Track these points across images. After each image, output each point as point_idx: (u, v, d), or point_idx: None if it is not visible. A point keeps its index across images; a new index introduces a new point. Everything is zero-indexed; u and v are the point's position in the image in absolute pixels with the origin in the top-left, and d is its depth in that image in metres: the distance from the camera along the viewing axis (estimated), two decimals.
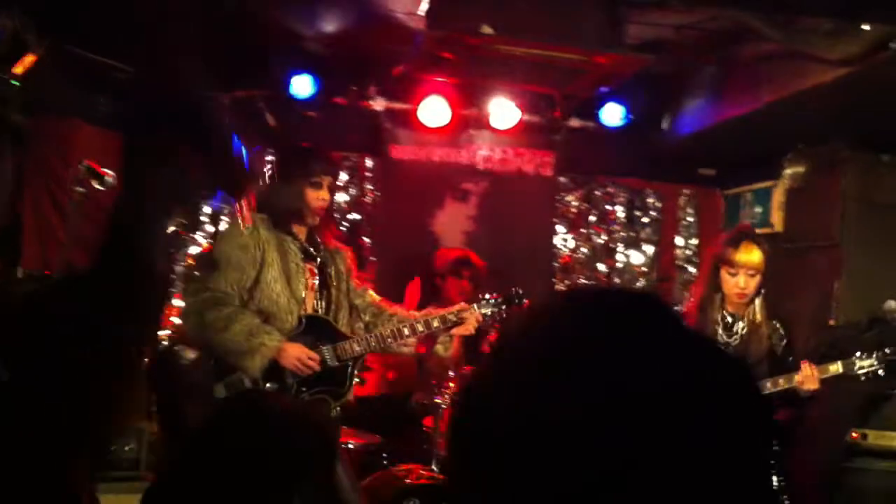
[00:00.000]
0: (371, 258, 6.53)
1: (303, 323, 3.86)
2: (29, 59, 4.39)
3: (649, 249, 7.03)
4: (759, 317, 4.19)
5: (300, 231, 3.98)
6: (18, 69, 4.42)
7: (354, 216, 6.55)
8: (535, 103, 6.12)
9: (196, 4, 4.62)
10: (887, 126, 4.82)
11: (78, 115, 5.37)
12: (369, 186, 6.56)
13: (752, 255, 4.12)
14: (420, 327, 4.01)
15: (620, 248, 7.00)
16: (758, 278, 4.13)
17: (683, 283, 7.04)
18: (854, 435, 4.68)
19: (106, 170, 3.90)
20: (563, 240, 6.91)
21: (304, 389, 3.86)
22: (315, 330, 3.88)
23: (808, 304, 5.60)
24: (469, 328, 4.08)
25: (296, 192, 3.87)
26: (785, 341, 4.21)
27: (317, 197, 3.91)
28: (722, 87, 5.18)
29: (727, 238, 4.25)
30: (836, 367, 3.95)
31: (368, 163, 6.53)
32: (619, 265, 7.00)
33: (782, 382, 3.99)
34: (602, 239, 6.97)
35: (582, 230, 6.94)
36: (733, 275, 4.12)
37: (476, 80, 5.71)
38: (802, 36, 4.13)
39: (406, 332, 3.98)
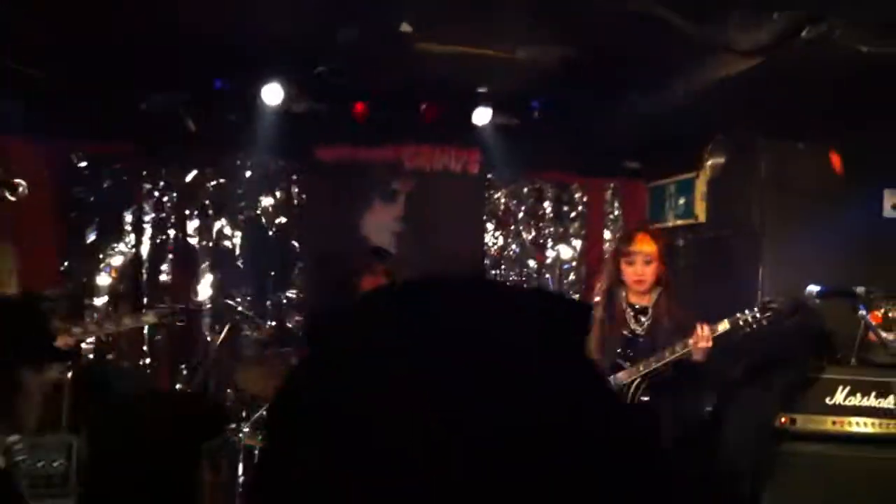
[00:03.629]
0: (299, 262, 6.48)
1: None
2: None
3: (578, 244, 7.08)
4: (662, 306, 4.47)
5: None
6: None
7: (282, 219, 6.48)
8: (458, 100, 6.11)
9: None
10: (801, 114, 4.92)
11: None
12: (296, 189, 6.50)
13: (644, 244, 4.45)
14: None
15: (550, 243, 7.05)
16: (654, 265, 4.45)
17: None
18: (783, 420, 4.74)
19: (18, 180, 3.79)
20: (493, 237, 6.94)
21: None
22: None
23: (732, 292, 5.69)
24: None
25: None
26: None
27: None
28: (641, 79, 5.23)
29: (624, 230, 4.65)
30: (724, 325, 4.20)
31: (294, 165, 6.47)
32: (548, 261, 7.04)
33: (678, 348, 4.24)
34: (531, 235, 7.01)
35: (511, 227, 6.97)
36: (630, 263, 4.45)
37: (399, 79, 5.69)
38: (714, 27, 4.18)
39: None
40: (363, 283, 5.40)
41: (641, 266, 4.45)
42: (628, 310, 4.55)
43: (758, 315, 4.17)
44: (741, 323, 4.20)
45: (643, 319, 4.51)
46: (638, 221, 4.82)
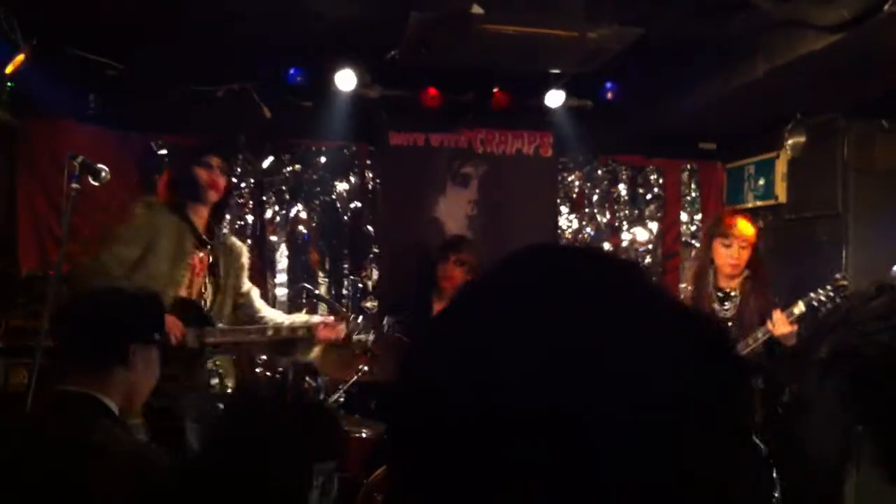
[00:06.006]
0: (374, 247, 6.53)
1: (173, 303, 4.05)
2: (18, 59, 4.39)
3: (654, 226, 6.99)
4: (748, 290, 4.54)
5: (199, 218, 4.24)
6: (9, 69, 4.42)
7: (356, 204, 6.54)
8: (530, 83, 6.07)
9: None
10: (884, 91, 4.76)
11: (69, 113, 5.40)
12: (370, 175, 6.54)
13: (744, 228, 4.48)
14: (269, 333, 4.34)
15: (625, 226, 6.97)
16: (749, 251, 4.49)
17: (690, 259, 7.00)
18: None
19: (101, 165, 3.89)
20: (567, 220, 6.89)
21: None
22: (183, 311, 4.06)
23: (815, 274, 5.56)
24: (332, 336, 4.43)
25: (189, 173, 4.17)
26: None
27: (208, 176, 4.21)
28: (717, 59, 5.12)
29: (723, 212, 4.70)
30: (800, 307, 4.23)
31: (368, 151, 6.51)
32: (624, 244, 6.96)
33: (759, 335, 4.31)
34: (606, 218, 6.94)
35: (585, 210, 6.91)
36: (727, 246, 4.49)
37: (470, 63, 5.67)
38: (794, 3, 4.07)
39: (253, 336, 4.32)
40: (438, 271, 5.44)
41: (738, 250, 4.48)
42: (715, 293, 4.59)
43: (831, 293, 4.18)
44: (815, 304, 4.21)
45: (727, 304, 4.56)
46: (737, 208, 5.04)
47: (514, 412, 0.67)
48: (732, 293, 4.58)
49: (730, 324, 4.50)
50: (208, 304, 4.25)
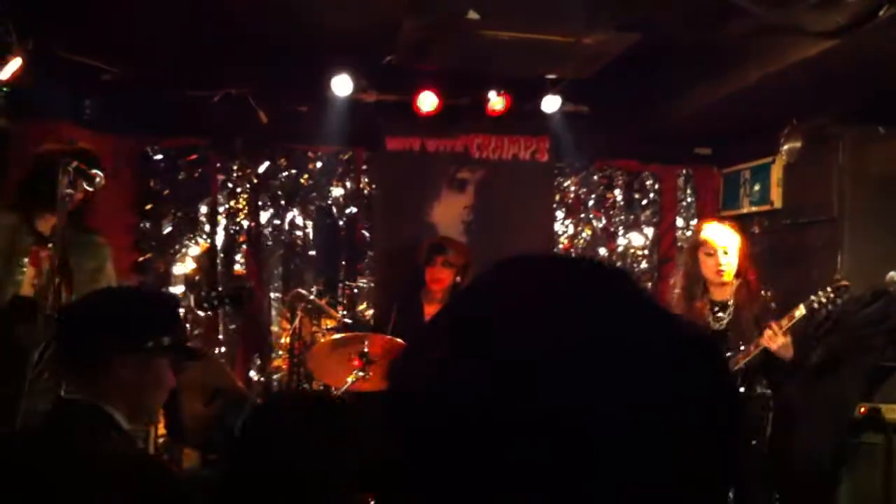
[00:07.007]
0: (370, 252, 6.53)
1: (11, 302, 3.93)
2: (14, 63, 4.38)
3: (650, 231, 6.99)
4: (742, 298, 4.42)
5: (44, 221, 4.07)
6: (4, 74, 4.41)
7: (352, 209, 6.53)
8: (527, 89, 6.08)
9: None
10: (879, 97, 4.77)
11: (64, 117, 5.39)
12: (366, 179, 6.54)
13: (724, 234, 4.40)
14: None
15: (621, 231, 6.98)
16: (734, 256, 4.39)
17: (675, 276, 7.00)
18: (863, 409, 4.64)
19: (95, 170, 3.88)
20: (563, 225, 6.89)
21: None
22: (16, 310, 3.92)
23: (810, 280, 5.56)
24: None
25: (51, 179, 3.85)
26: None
27: (65, 184, 3.92)
28: (712, 64, 5.12)
29: (702, 223, 4.67)
30: (800, 311, 4.15)
31: (364, 155, 6.51)
32: (619, 249, 6.97)
33: (752, 348, 4.22)
34: (601, 223, 6.94)
35: (581, 215, 6.91)
36: (710, 254, 4.40)
37: (466, 68, 5.67)
38: (788, 10, 4.08)
39: None
40: (426, 274, 5.44)
41: (722, 256, 4.38)
42: (707, 306, 4.49)
43: (832, 294, 4.12)
44: (816, 306, 4.15)
45: (722, 315, 4.46)
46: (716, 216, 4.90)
47: (514, 413, 0.67)
48: (727, 302, 4.48)
49: (728, 334, 4.41)
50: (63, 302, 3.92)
